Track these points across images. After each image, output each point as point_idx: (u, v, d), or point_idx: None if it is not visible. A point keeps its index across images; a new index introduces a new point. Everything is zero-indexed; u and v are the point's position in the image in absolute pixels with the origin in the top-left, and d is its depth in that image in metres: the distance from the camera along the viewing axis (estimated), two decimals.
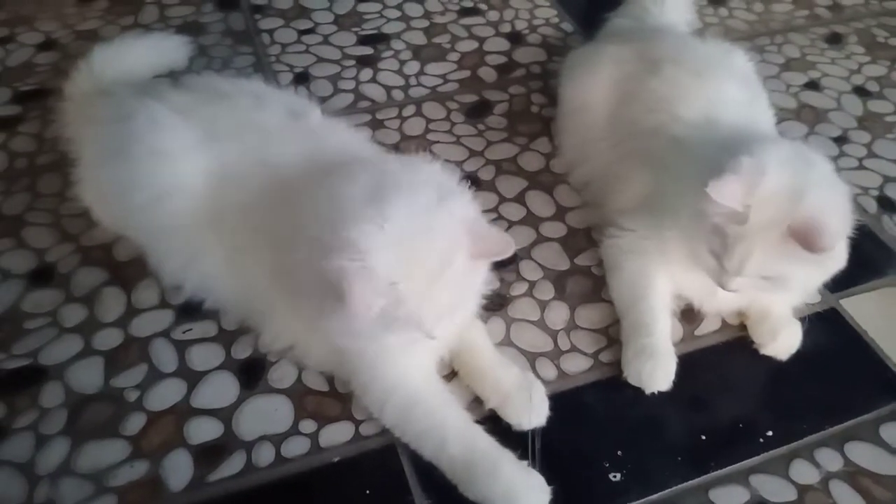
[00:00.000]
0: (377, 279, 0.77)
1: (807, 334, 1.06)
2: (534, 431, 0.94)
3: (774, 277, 0.92)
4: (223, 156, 0.98)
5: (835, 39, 1.66)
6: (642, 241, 1.07)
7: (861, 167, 1.36)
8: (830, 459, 0.96)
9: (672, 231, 1.02)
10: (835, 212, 0.90)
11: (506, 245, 0.84)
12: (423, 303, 0.79)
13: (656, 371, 0.99)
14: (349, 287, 0.75)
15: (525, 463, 0.89)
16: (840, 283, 1.13)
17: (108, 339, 1.04)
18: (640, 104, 1.17)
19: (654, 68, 1.17)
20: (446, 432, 0.89)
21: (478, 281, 0.88)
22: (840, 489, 0.93)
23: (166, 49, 1.32)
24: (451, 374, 1.01)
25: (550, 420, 0.97)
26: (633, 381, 1.00)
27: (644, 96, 1.16)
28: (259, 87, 1.11)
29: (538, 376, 1.01)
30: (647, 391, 0.99)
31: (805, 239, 0.86)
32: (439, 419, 0.90)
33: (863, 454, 0.97)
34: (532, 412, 0.95)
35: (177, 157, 0.98)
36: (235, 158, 0.98)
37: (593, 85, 1.25)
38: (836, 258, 0.93)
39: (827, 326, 1.10)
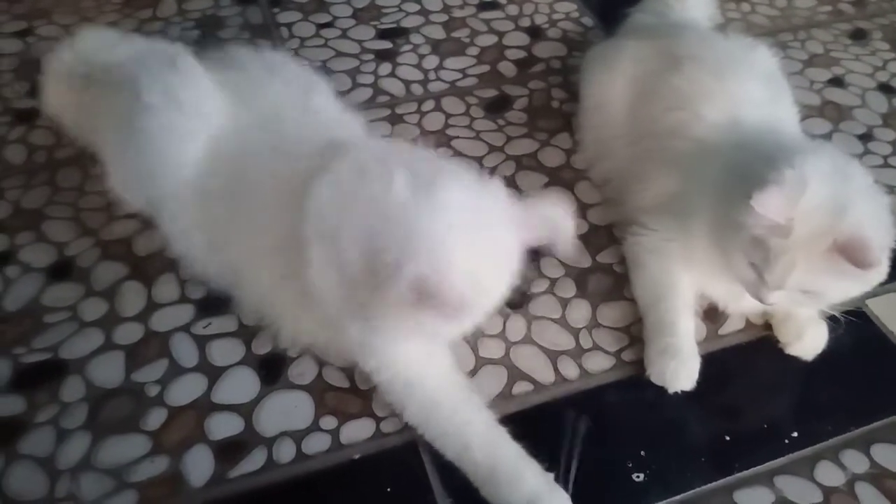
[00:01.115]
0: (460, 273, 0.76)
1: (832, 334, 1.04)
2: (570, 452, 0.93)
3: (814, 291, 0.91)
4: (224, 137, 0.98)
5: (859, 35, 1.64)
6: (667, 242, 1.06)
7: (886, 165, 1.34)
8: (856, 461, 0.95)
9: (698, 235, 1.01)
10: (880, 225, 0.88)
11: (554, 229, 0.83)
12: (487, 294, 0.80)
13: (679, 370, 0.98)
14: (441, 288, 0.74)
15: (551, 476, 0.88)
16: None
17: (129, 333, 1.03)
18: (660, 102, 1.15)
19: (674, 65, 1.16)
20: (469, 437, 0.88)
21: (515, 267, 0.85)
22: (866, 491, 0.92)
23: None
24: (473, 371, 1.00)
25: (572, 418, 0.96)
26: (656, 380, 0.99)
27: (664, 94, 1.15)
28: (274, 58, 1.11)
29: (560, 375, 1.01)
30: (671, 390, 0.98)
31: (853, 254, 0.84)
32: (462, 422, 0.89)
33: (889, 456, 0.95)
34: None
35: (191, 131, 0.98)
36: (233, 145, 0.97)
37: (612, 81, 1.24)
38: (879, 272, 0.91)
39: (853, 327, 1.07)
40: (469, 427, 0.89)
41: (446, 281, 0.74)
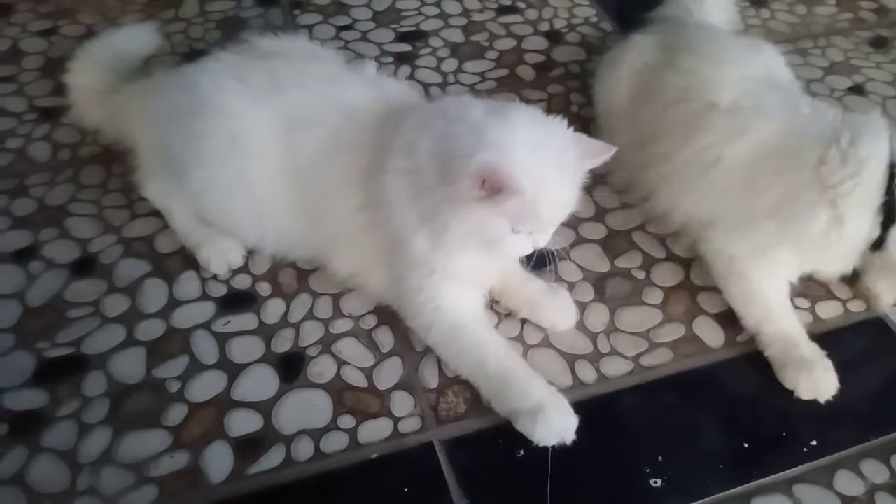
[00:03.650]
0: (522, 168, 0.84)
1: (853, 343, 1.04)
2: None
3: None
4: (291, 103, 1.03)
5: (880, 43, 1.63)
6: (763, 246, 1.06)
7: None
8: (876, 471, 0.94)
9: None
10: None
11: (606, 148, 0.92)
12: (549, 201, 0.87)
13: (826, 378, 0.99)
14: (504, 172, 0.82)
15: (555, 388, 0.96)
16: None
17: (151, 329, 1.05)
18: (659, 98, 1.16)
19: (672, 60, 1.17)
20: (486, 352, 0.97)
21: (576, 194, 0.93)
22: (886, 502, 0.91)
23: (143, 36, 1.36)
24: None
25: (590, 423, 0.96)
26: (806, 395, 0.99)
27: (663, 89, 1.16)
28: (309, 44, 1.20)
29: (577, 379, 1.01)
30: (823, 400, 0.99)
31: None
32: (481, 340, 0.98)
33: None
34: (561, 316, 1.06)
35: (242, 112, 1.02)
36: (305, 104, 1.03)
37: (618, 80, 1.25)
38: None
39: (873, 336, 1.08)
40: (486, 345, 0.98)
41: (510, 168, 0.82)
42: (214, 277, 1.11)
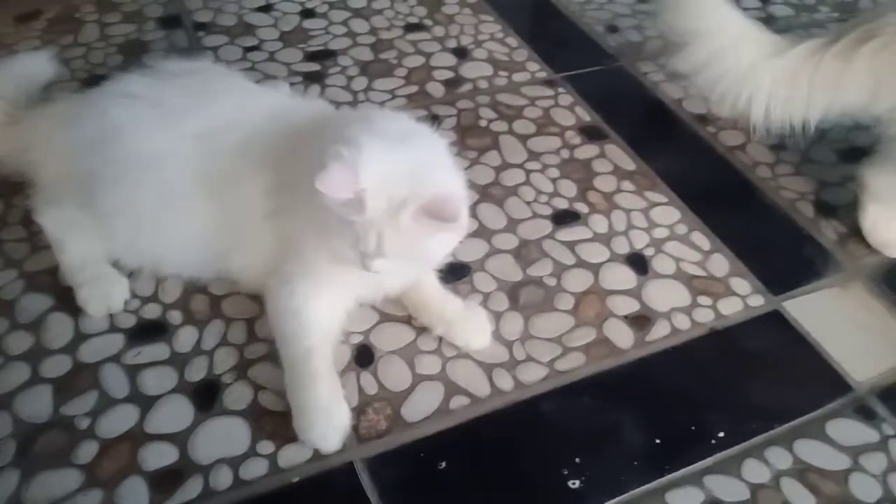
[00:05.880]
0: (353, 176, 0.84)
1: (753, 336, 1.09)
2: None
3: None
4: (209, 115, 1.03)
5: None
6: None
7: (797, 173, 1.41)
8: (780, 458, 0.99)
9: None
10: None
11: (451, 220, 0.86)
12: (374, 229, 0.86)
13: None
14: (330, 166, 0.83)
15: (343, 394, 0.96)
16: (782, 286, 1.19)
17: (57, 366, 1.01)
18: None
19: None
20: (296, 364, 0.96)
21: (428, 246, 0.91)
22: (791, 486, 0.96)
23: (40, 64, 1.31)
24: (410, 388, 1.02)
25: (509, 430, 0.98)
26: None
27: None
28: (216, 66, 1.21)
29: (495, 387, 1.03)
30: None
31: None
32: (304, 340, 0.97)
33: (811, 451, 0.99)
34: (475, 334, 1.07)
35: (156, 134, 1.02)
36: (224, 113, 1.04)
37: None
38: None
39: (771, 329, 1.13)
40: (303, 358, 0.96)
41: (338, 168, 0.83)
42: (124, 310, 1.08)
